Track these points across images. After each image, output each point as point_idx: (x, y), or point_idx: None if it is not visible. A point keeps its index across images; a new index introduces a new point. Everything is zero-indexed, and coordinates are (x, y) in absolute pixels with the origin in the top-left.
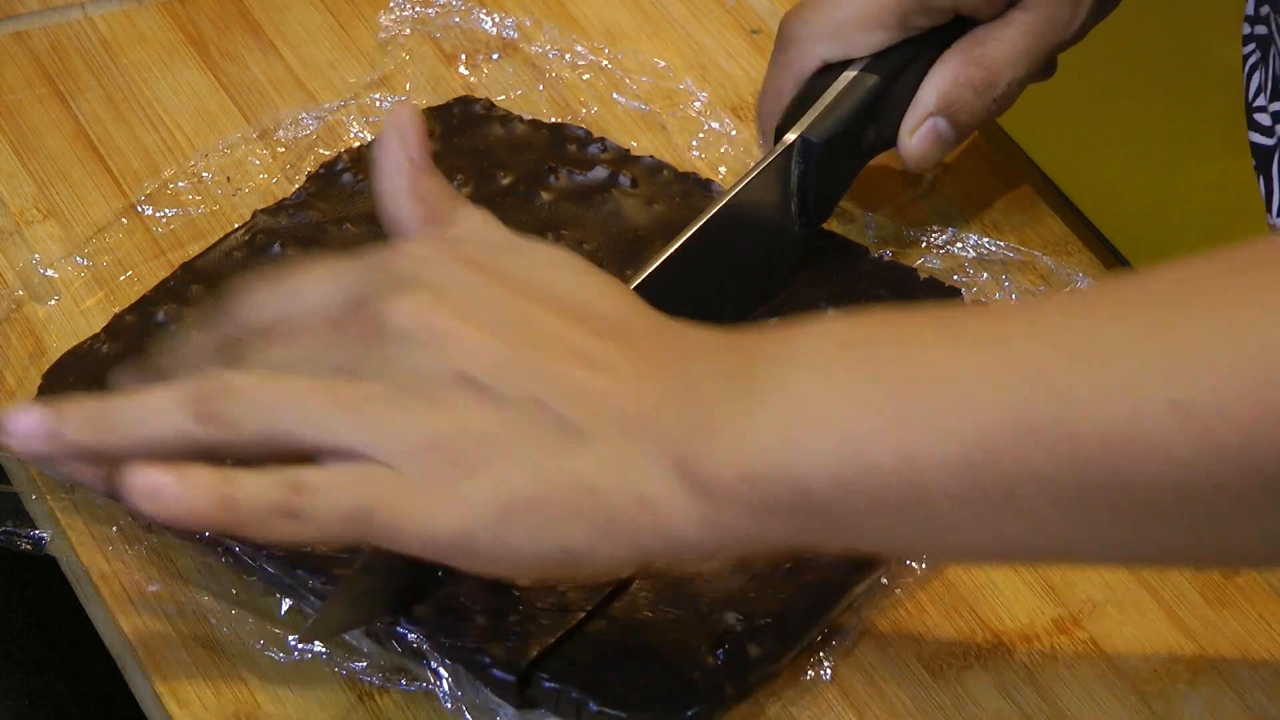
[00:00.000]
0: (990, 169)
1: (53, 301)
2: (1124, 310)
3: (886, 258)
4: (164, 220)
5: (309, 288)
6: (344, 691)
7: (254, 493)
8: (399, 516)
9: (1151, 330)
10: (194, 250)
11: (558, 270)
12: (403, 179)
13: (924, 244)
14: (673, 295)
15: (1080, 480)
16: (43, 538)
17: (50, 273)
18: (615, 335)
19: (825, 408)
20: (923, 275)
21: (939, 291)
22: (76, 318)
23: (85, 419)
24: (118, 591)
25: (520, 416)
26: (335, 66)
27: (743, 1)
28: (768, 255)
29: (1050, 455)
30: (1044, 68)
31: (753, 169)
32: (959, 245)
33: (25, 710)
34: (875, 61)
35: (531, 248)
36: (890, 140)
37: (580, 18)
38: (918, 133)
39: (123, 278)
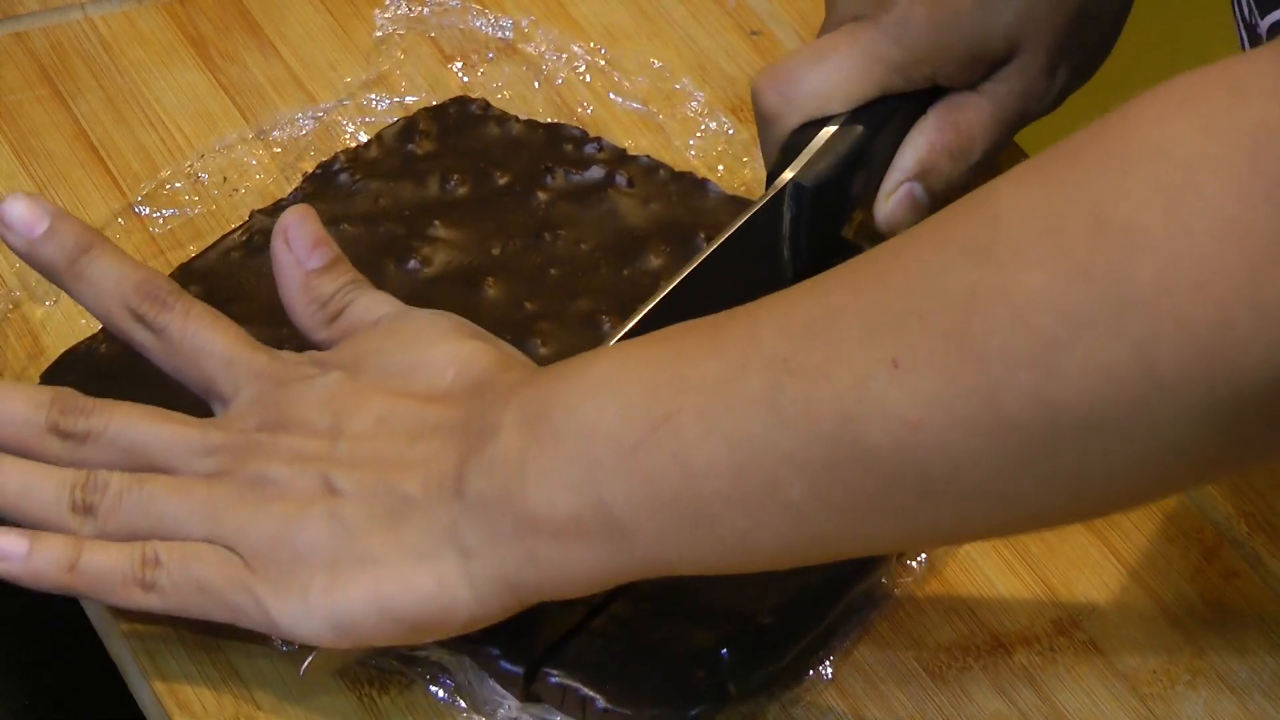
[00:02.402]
0: (990, 169)
1: (51, 302)
2: (853, 282)
3: None
4: (161, 221)
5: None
6: (344, 692)
7: (107, 563)
8: (243, 601)
9: (872, 294)
10: (193, 250)
11: (412, 351)
12: (295, 287)
13: None
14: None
15: (828, 459)
16: None
17: None
18: (440, 404)
19: (612, 427)
20: None
21: None
22: (75, 318)
23: None
24: None
25: (355, 505)
26: (335, 67)
27: (743, 3)
28: (758, 297)
29: (798, 438)
30: (1010, 138)
31: (743, 214)
32: None
33: (25, 710)
34: (860, 114)
35: (399, 330)
36: (875, 190)
37: (580, 18)
38: (894, 197)
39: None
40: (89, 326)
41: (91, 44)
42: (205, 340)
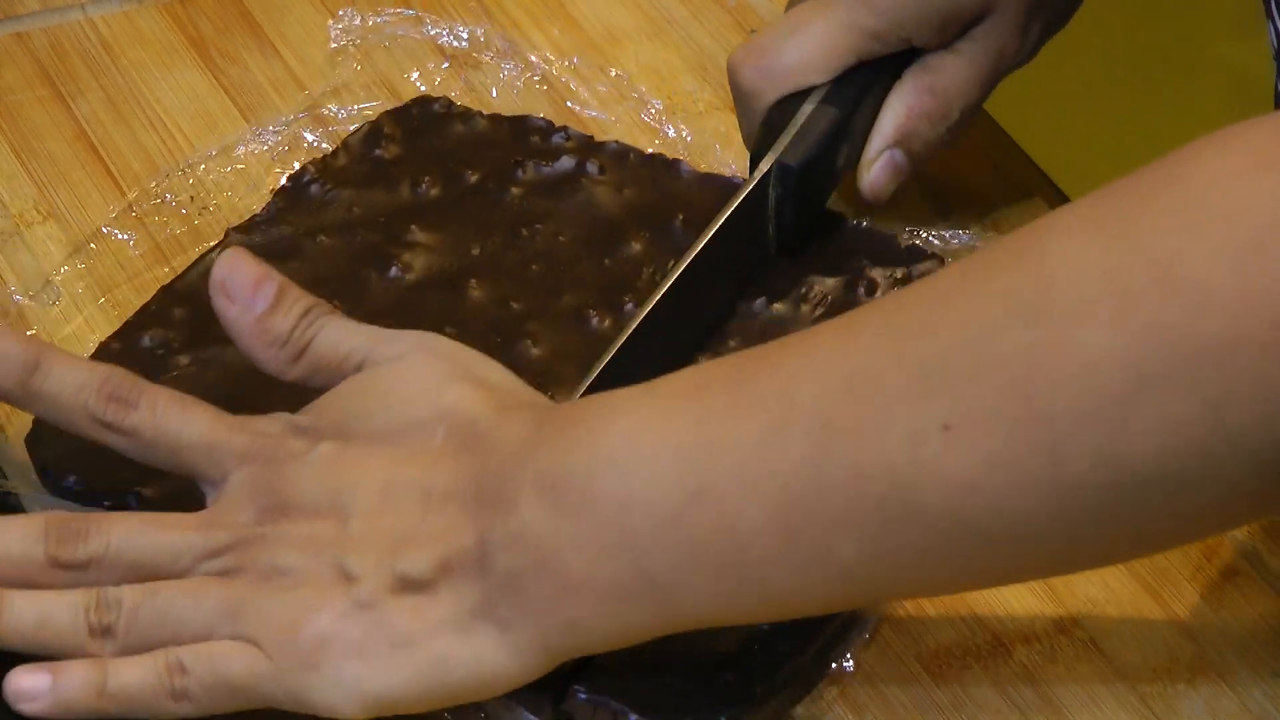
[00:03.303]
0: (990, 169)
1: (52, 303)
2: (894, 338)
3: (862, 225)
4: (164, 224)
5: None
6: None
7: (134, 680)
8: (275, 691)
9: (918, 352)
10: (195, 255)
11: (395, 411)
12: (248, 336)
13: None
14: (664, 329)
15: (880, 520)
16: None
17: (50, 274)
18: (442, 467)
19: (645, 497)
20: (901, 241)
21: (919, 258)
22: (76, 319)
23: None
24: None
25: (374, 588)
26: (336, 67)
27: (743, 2)
28: (745, 277)
29: (850, 502)
30: (987, 95)
31: (733, 199)
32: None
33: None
34: (837, 86)
35: (375, 387)
36: (857, 162)
37: (580, 18)
38: (876, 165)
39: (121, 275)
40: (87, 326)
41: (92, 44)
42: (179, 432)
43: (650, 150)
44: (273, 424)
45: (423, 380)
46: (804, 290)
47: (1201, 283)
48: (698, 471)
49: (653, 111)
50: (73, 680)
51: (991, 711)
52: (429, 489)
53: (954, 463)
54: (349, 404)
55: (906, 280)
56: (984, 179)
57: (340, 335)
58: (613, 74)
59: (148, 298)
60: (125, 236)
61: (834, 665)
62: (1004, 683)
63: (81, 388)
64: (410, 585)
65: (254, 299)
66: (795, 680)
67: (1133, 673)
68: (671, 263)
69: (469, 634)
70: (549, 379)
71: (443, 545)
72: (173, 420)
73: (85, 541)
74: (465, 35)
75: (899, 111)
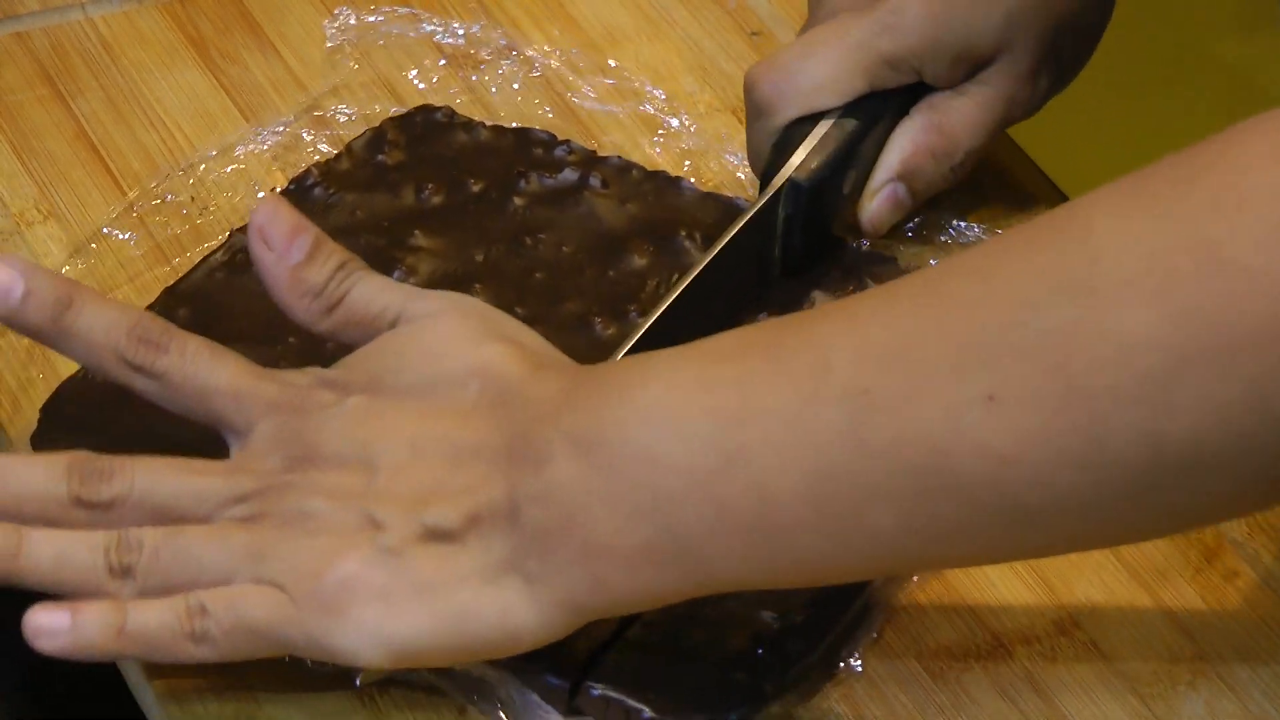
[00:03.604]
0: (990, 168)
1: None
2: (936, 310)
3: (864, 247)
4: (165, 224)
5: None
6: (345, 692)
7: (153, 621)
8: (294, 635)
9: (960, 325)
10: (196, 255)
11: (429, 366)
12: (283, 284)
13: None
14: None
15: (917, 490)
16: None
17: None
18: (473, 423)
19: (679, 457)
20: (902, 262)
21: None
22: None
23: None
24: None
25: (401, 536)
26: (333, 67)
27: (743, 3)
28: (747, 293)
29: (887, 471)
30: (991, 142)
31: (743, 216)
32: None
33: (27, 710)
34: (847, 113)
35: (411, 343)
36: (860, 192)
37: (580, 18)
38: (878, 197)
39: (123, 279)
40: None
41: (92, 44)
42: (208, 378)
43: (656, 148)
44: (303, 376)
45: (456, 337)
46: (806, 306)
47: (1246, 266)
48: (733, 435)
49: (656, 103)
50: (92, 620)
51: (991, 711)
52: (459, 444)
53: (993, 436)
54: (381, 359)
55: None
56: (983, 178)
57: (374, 291)
58: (611, 64)
59: (149, 297)
60: (126, 236)
61: (842, 665)
62: (1004, 683)
63: (112, 328)
64: (438, 535)
65: (289, 249)
66: (804, 679)
67: (1133, 673)
68: (677, 276)
69: (495, 586)
70: None
71: (472, 498)
72: (202, 366)
73: (109, 482)
74: (462, 32)
75: (905, 146)
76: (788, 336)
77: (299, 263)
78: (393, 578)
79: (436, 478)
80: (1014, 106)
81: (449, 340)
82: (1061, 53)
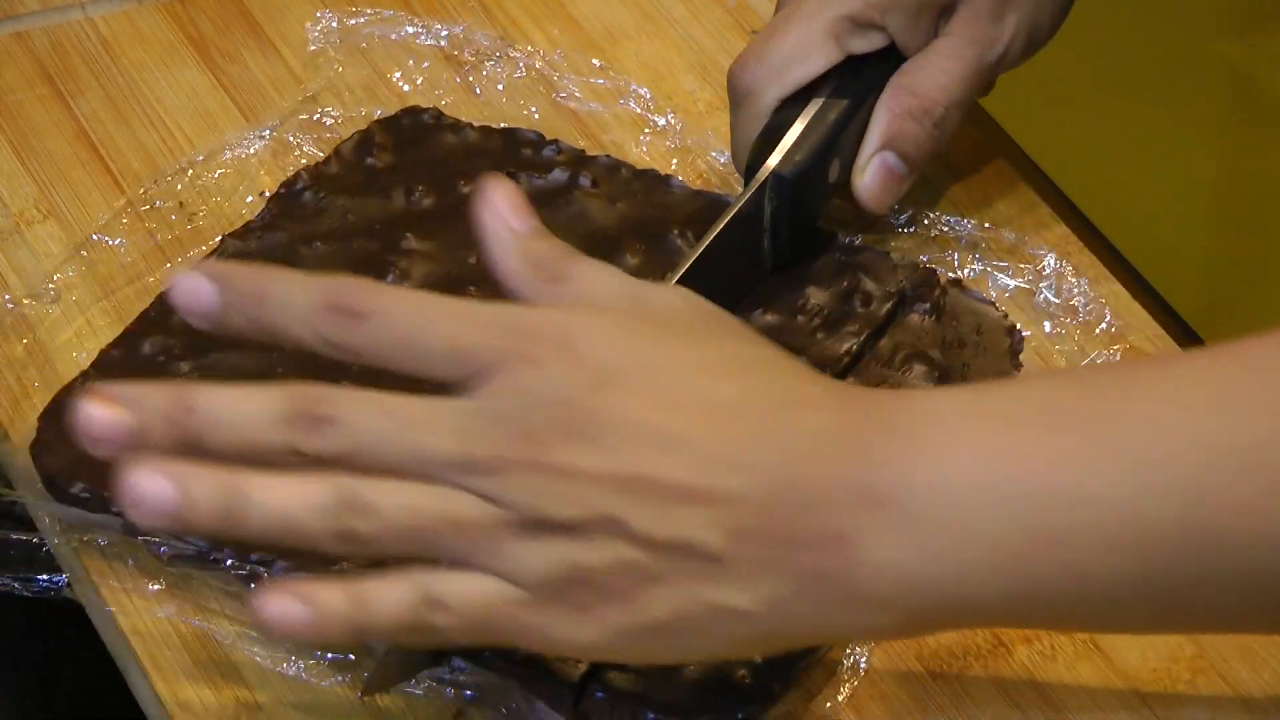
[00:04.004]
0: (988, 167)
1: (52, 301)
2: (1268, 406)
3: (857, 241)
4: (165, 224)
5: (437, 425)
6: (345, 692)
7: (386, 612)
8: (530, 632)
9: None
10: (196, 255)
11: (679, 335)
12: (507, 246)
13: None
14: None
15: (1249, 580)
16: (60, 581)
17: (50, 273)
18: (733, 436)
19: (986, 530)
20: (895, 257)
21: (914, 272)
22: (76, 318)
23: (213, 505)
24: (119, 593)
25: (655, 550)
26: (317, 70)
27: (743, 2)
28: (740, 290)
29: (1219, 565)
30: (984, 88)
31: (728, 210)
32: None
33: (25, 710)
34: (831, 98)
35: (650, 305)
36: (850, 179)
37: (580, 18)
38: (869, 169)
39: (123, 278)
40: (87, 325)
41: (92, 44)
42: (420, 338)
43: (643, 146)
44: (534, 314)
45: (708, 329)
46: (800, 302)
47: None
48: (1052, 518)
49: (642, 100)
50: (332, 617)
51: (991, 711)
52: (716, 457)
53: None
54: (634, 345)
55: (902, 296)
56: (981, 177)
57: (603, 277)
58: (596, 64)
59: (148, 297)
60: (124, 238)
61: (844, 663)
62: (1004, 682)
63: (307, 308)
64: (696, 552)
65: (516, 219)
66: (806, 678)
67: (1133, 673)
68: (667, 274)
69: (750, 619)
70: None
71: (734, 516)
72: (410, 326)
73: (328, 435)
74: (445, 34)
75: (882, 115)
76: (1105, 413)
77: (525, 232)
78: (638, 588)
79: (693, 477)
80: (985, 49)
81: (700, 330)
82: None
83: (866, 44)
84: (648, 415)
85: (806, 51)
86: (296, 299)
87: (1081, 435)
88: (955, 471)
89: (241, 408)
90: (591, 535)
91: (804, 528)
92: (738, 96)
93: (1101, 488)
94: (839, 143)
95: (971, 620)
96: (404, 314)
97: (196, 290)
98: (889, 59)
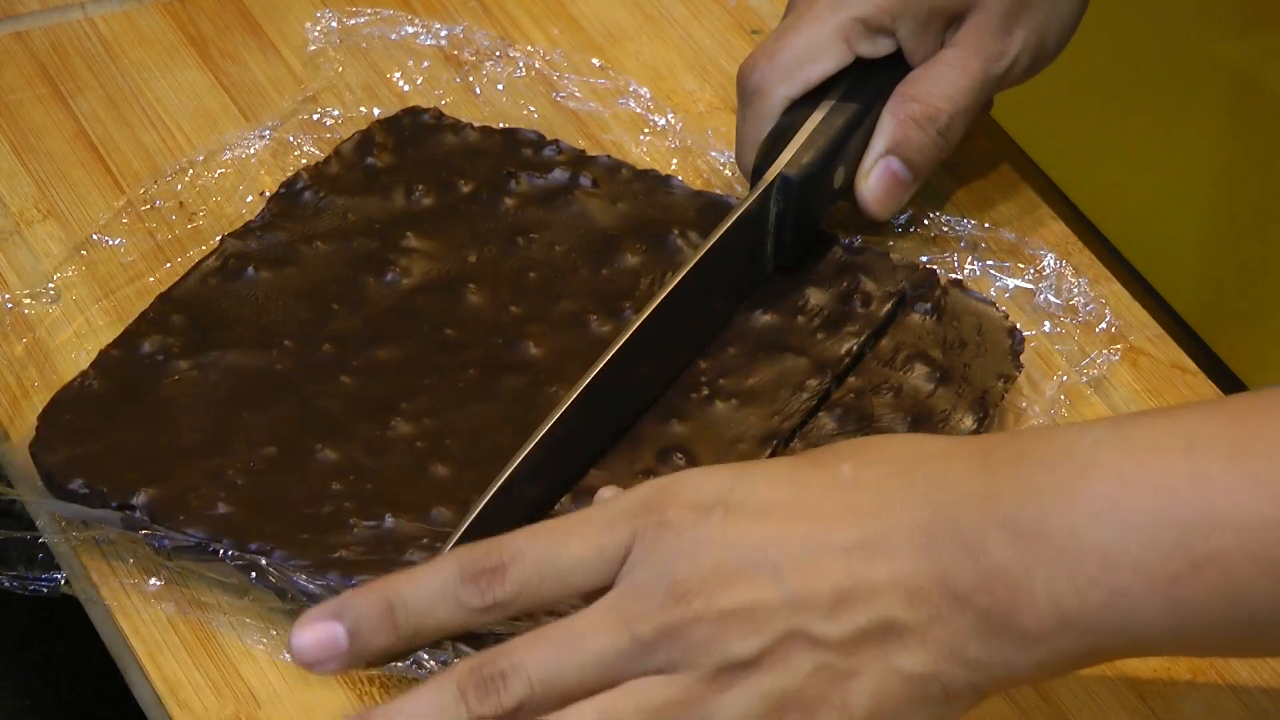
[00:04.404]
0: (989, 168)
1: (52, 301)
2: None
3: (856, 243)
4: (165, 224)
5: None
6: (343, 691)
7: None
8: None
9: None
10: (195, 255)
11: (773, 462)
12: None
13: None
14: (662, 336)
15: None
16: (58, 579)
17: (50, 273)
18: (863, 510)
19: (1138, 559)
20: (895, 258)
21: (913, 273)
22: (76, 317)
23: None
24: (117, 591)
25: (843, 647)
26: (317, 70)
27: (743, 2)
28: (741, 290)
29: None
30: (986, 103)
31: (734, 211)
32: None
33: (25, 710)
34: (839, 103)
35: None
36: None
37: (580, 18)
38: (873, 173)
39: (123, 278)
40: (87, 325)
41: (92, 43)
42: (560, 564)
43: (643, 146)
44: (644, 488)
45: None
46: (800, 303)
47: None
48: (1202, 544)
49: (642, 100)
50: None
51: (991, 711)
52: (854, 531)
53: None
54: (727, 480)
55: (902, 296)
56: (982, 177)
57: (699, 487)
58: (596, 64)
59: (148, 297)
60: (124, 238)
61: None
62: None
63: (445, 592)
64: (876, 633)
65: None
66: None
67: (1133, 673)
68: (670, 273)
69: (937, 679)
70: (551, 377)
71: (902, 582)
72: (550, 557)
73: (506, 687)
74: (445, 34)
75: (887, 121)
76: (1248, 441)
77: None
78: (844, 685)
79: (850, 565)
80: (991, 62)
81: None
82: (1036, 5)
83: (876, 49)
84: (780, 520)
85: (817, 52)
86: (430, 588)
87: (1226, 464)
88: (1096, 504)
89: (419, 701)
90: (779, 658)
91: (967, 571)
92: (746, 95)
93: (1249, 511)
94: (845, 148)
95: (1142, 649)
96: (535, 547)
97: (322, 636)
98: (895, 67)
